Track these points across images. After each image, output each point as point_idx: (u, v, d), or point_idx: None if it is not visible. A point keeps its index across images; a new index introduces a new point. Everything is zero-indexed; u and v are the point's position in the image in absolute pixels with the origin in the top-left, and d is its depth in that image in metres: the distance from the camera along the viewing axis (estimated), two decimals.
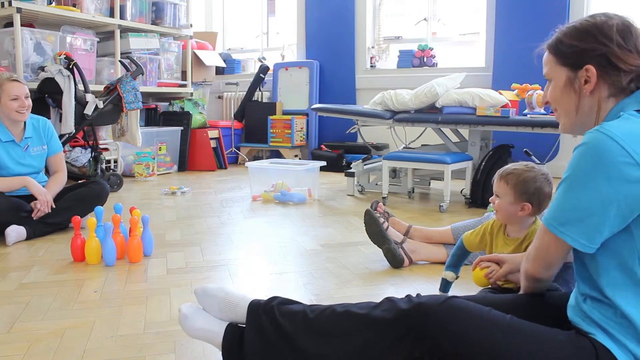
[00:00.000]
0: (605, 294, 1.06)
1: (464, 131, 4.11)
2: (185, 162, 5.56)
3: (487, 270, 1.56)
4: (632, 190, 1.01)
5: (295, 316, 1.24)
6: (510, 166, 1.67)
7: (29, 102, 2.85)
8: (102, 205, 2.65)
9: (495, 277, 1.54)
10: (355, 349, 1.16)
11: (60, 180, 3.01)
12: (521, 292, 1.30)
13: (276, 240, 2.79)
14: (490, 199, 1.71)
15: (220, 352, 1.33)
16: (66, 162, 3.43)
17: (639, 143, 1.01)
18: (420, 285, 2.09)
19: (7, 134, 2.84)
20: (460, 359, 1.07)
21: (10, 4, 4.15)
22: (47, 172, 3.07)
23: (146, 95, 5.61)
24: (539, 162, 3.62)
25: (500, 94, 3.75)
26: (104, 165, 4.44)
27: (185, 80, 5.93)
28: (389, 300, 1.18)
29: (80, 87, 4.11)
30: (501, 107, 3.59)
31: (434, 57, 5.48)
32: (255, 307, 1.30)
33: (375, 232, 2.33)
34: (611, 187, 1.01)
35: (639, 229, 1.03)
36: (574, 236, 1.05)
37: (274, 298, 1.32)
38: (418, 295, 1.18)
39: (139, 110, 4.39)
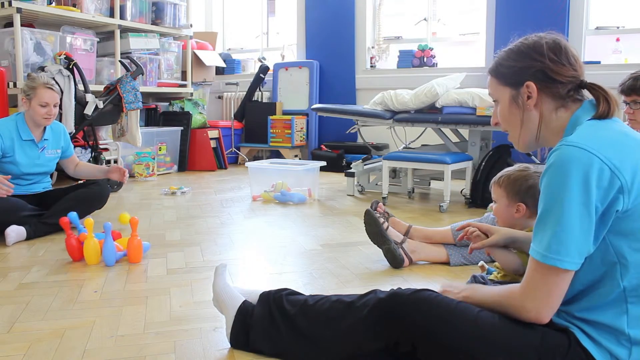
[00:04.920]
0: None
1: (464, 131, 4.11)
2: (185, 162, 5.56)
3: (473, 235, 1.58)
4: (606, 195, 1.03)
5: (298, 302, 1.42)
6: (504, 171, 1.69)
7: (57, 110, 2.97)
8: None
9: (476, 245, 1.56)
10: (341, 331, 1.31)
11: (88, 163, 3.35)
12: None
13: (276, 240, 2.79)
14: (489, 205, 1.74)
15: (226, 328, 1.52)
16: None
17: (603, 145, 1.04)
18: (420, 285, 2.08)
19: (28, 132, 2.93)
20: (429, 346, 1.18)
21: (10, 4, 4.15)
22: (51, 175, 3.13)
23: (146, 95, 5.61)
24: (539, 162, 3.61)
25: None
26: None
27: (185, 80, 5.93)
28: (373, 291, 1.33)
29: (80, 87, 4.11)
30: None
31: (434, 57, 5.48)
32: (267, 294, 1.49)
33: (375, 232, 2.33)
34: (587, 193, 1.02)
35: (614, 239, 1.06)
36: (573, 259, 1.04)
37: (284, 289, 1.50)
38: (399, 287, 1.30)
39: (139, 110, 4.39)
